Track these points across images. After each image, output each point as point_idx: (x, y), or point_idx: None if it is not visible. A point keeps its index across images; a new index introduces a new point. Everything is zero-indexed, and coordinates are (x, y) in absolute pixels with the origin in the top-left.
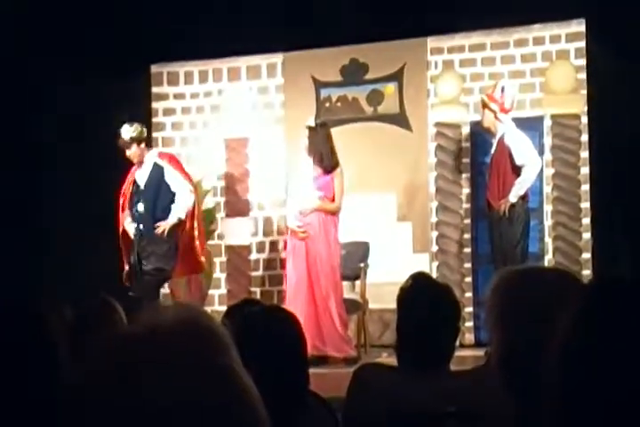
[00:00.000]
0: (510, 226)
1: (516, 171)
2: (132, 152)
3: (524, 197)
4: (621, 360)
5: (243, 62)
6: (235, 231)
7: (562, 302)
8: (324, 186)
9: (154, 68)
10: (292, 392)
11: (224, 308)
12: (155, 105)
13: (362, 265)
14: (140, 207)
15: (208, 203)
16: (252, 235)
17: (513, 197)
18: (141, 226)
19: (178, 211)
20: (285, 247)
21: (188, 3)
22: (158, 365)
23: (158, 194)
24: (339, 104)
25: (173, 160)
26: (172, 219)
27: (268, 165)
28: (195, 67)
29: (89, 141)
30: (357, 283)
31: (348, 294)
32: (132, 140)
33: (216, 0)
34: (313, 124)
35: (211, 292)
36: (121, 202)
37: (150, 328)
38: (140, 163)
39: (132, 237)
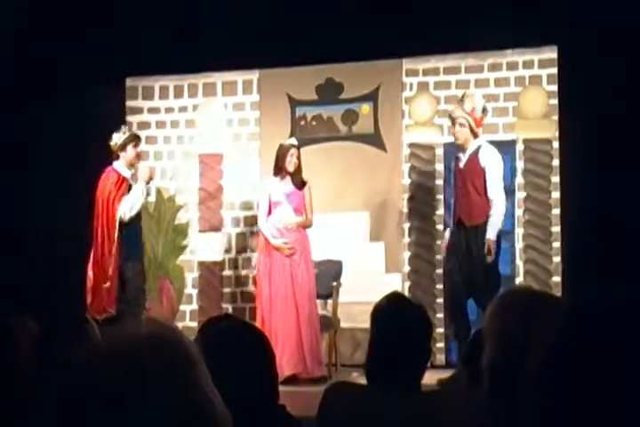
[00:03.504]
0: (483, 248)
1: (486, 192)
2: (127, 155)
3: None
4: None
5: (218, 78)
6: (207, 247)
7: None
8: (299, 201)
9: (129, 82)
10: (260, 409)
11: (195, 324)
12: (129, 119)
13: (334, 284)
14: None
15: (181, 218)
16: (225, 251)
17: (492, 235)
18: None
19: None
20: (259, 264)
21: (165, 17)
22: (125, 378)
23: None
24: (314, 123)
25: None
26: None
27: (242, 182)
28: (170, 81)
29: (62, 153)
30: (329, 301)
31: (320, 312)
32: (127, 141)
33: (193, 15)
34: (296, 143)
35: (182, 307)
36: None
37: (119, 343)
38: (132, 167)
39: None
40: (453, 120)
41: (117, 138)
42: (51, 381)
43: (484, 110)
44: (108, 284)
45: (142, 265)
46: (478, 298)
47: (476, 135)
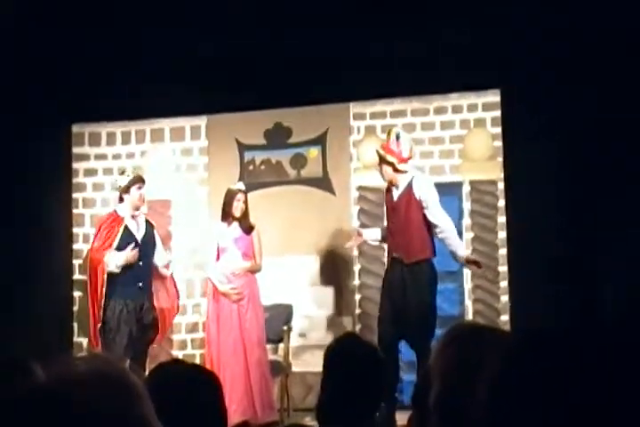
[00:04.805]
0: (422, 286)
1: (428, 225)
2: (130, 197)
3: (432, 257)
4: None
5: (166, 124)
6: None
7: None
8: (248, 246)
9: (75, 128)
10: None
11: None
12: (75, 165)
13: (285, 328)
14: (140, 263)
15: None
16: None
17: (464, 252)
18: (140, 284)
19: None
20: (208, 310)
21: (111, 62)
22: (69, 417)
23: (153, 253)
24: (262, 167)
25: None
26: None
27: (191, 228)
28: (117, 128)
29: (6, 201)
30: (280, 346)
31: (270, 357)
32: (131, 183)
33: (139, 61)
34: (243, 187)
35: None
36: (101, 250)
37: (61, 380)
38: (137, 210)
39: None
40: (380, 157)
41: (121, 180)
42: None
43: (398, 137)
44: (98, 324)
45: (123, 305)
46: (412, 340)
47: (398, 171)
